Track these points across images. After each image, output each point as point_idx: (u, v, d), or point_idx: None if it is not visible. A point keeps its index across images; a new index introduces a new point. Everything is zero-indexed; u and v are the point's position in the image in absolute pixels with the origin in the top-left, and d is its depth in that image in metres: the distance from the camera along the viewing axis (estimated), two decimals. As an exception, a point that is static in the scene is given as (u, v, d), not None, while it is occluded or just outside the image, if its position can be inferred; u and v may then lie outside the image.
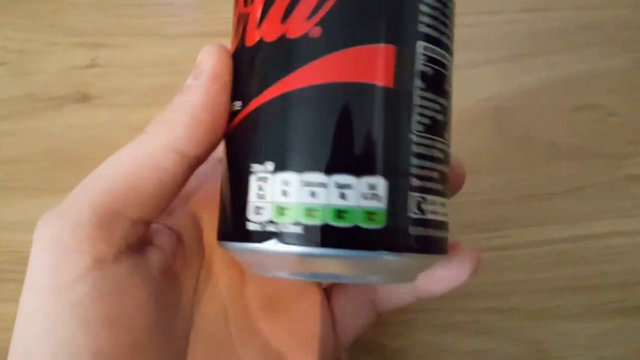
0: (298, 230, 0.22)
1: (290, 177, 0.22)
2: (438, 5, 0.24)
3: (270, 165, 0.23)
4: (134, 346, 0.24)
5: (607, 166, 0.45)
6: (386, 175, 0.22)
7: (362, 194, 0.22)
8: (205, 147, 0.25)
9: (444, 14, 0.24)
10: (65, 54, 0.50)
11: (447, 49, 0.24)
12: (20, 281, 0.43)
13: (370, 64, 0.22)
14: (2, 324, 0.43)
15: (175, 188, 0.25)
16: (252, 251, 0.23)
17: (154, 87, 0.48)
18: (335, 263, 0.22)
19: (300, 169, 0.22)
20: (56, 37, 0.51)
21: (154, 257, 0.26)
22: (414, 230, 0.22)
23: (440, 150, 0.24)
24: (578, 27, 0.48)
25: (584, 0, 0.49)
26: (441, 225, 0.24)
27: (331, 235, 0.22)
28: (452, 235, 0.43)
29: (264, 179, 0.23)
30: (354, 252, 0.22)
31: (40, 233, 0.23)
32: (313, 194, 0.22)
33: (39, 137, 0.48)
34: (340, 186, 0.22)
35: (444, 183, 0.24)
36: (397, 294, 0.31)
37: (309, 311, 0.32)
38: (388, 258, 0.22)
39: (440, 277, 0.29)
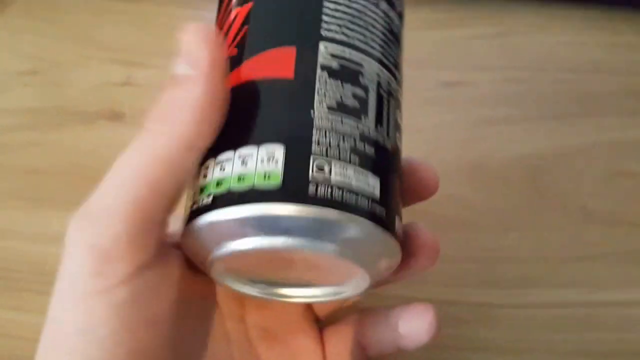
0: (209, 200, 0.25)
1: (210, 162, 0.25)
2: (345, 17, 0.27)
3: (205, 160, 0.26)
4: (164, 346, 0.26)
5: (638, 235, 0.45)
6: (284, 141, 0.24)
7: (261, 159, 0.24)
8: (213, 136, 0.25)
9: (355, 24, 0.27)
10: (100, 69, 0.51)
11: (361, 50, 0.27)
12: (40, 292, 0.42)
13: (274, 63, 0.26)
14: (22, 333, 0.43)
15: (188, 180, 0.26)
16: (183, 235, 0.27)
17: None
18: (250, 225, 0.24)
19: (216, 153, 0.25)
20: (92, 52, 0.51)
21: (175, 261, 0.28)
22: (315, 188, 0.24)
23: (353, 128, 0.26)
24: (623, 92, 0.49)
25: (629, 67, 0.50)
26: (359, 193, 0.25)
27: (233, 197, 0.24)
28: (473, 290, 0.44)
29: (195, 174, 0.26)
30: (255, 207, 0.24)
31: (75, 240, 0.24)
32: (222, 169, 0.25)
33: (66, 150, 0.48)
34: (243, 156, 0.24)
35: (364, 159, 0.25)
36: (379, 341, 0.33)
37: (304, 345, 0.34)
38: (291, 211, 0.23)
39: (404, 334, 0.31)
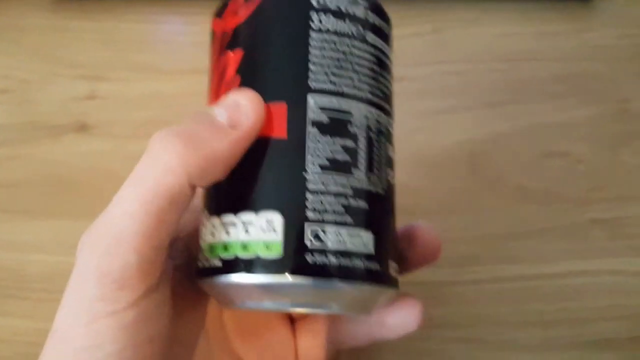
0: (220, 264, 0.26)
1: (215, 221, 0.27)
2: (331, 62, 0.27)
3: (209, 214, 0.27)
4: (161, 357, 0.27)
5: (571, 210, 0.47)
6: (280, 209, 0.25)
7: (261, 228, 0.25)
8: (212, 181, 0.26)
9: (342, 68, 0.27)
10: (66, 85, 0.52)
11: (349, 96, 0.27)
12: (20, 297, 0.46)
13: (268, 121, 0.26)
14: (2, 336, 0.46)
15: (186, 208, 0.26)
16: (200, 285, 0.28)
17: (149, 120, 0.50)
18: (256, 290, 0.26)
19: (219, 212, 0.26)
20: (59, 69, 0.53)
21: (172, 277, 0.28)
22: (312, 258, 0.25)
23: (345, 186, 0.26)
24: (554, 78, 0.51)
25: (560, 53, 0.52)
26: (353, 255, 0.26)
27: (239, 265, 0.25)
28: (423, 270, 0.46)
29: (205, 225, 0.27)
30: (259, 277, 0.25)
31: (87, 264, 0.25)
32: (228, 232, 0.26)
33: (38, 163, 0.50)
34: (244, 223, 0.25)
35: (356, 216, 0.26)
36: (354, 335, 0.35)
37: (277, 340, 0.35)
38: (291, 282, 0.25)
39: (391, 325, 0.32)
